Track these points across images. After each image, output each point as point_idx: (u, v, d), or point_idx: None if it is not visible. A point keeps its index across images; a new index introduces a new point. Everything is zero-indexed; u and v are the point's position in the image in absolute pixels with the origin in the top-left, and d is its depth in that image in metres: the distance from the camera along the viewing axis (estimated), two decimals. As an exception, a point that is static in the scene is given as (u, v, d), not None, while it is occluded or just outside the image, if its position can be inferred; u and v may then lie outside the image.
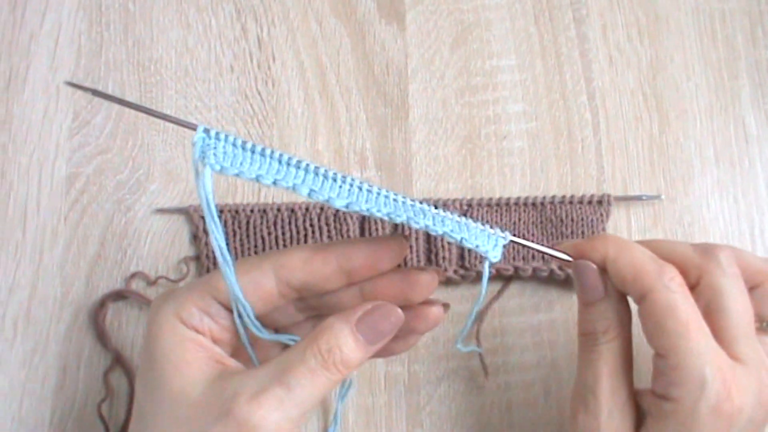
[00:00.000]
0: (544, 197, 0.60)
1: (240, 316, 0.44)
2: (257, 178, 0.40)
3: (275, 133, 0.62)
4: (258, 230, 0.58)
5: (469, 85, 0.64)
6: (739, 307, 0.44)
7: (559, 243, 0.49)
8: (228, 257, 0.41)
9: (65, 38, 0.63)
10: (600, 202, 0.60)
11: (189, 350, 0.42)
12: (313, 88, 0.63)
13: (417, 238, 0.59)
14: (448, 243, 0.58)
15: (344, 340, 0.41)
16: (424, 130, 0.63)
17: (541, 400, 0.58)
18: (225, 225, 0.58)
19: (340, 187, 0.42)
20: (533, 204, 0.60)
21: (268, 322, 0.47)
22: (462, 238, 0.43)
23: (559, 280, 0.59)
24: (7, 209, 0.59)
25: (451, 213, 0.44)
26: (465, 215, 0.58)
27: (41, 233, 0.59)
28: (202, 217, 0.58)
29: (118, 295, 0.58)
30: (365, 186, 0.42)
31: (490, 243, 0.44)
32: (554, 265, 0.59)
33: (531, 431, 0.57)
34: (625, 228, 0.61)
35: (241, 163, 0.40)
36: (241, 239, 0.58)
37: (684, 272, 0.45)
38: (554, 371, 0.58)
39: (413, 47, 0.65)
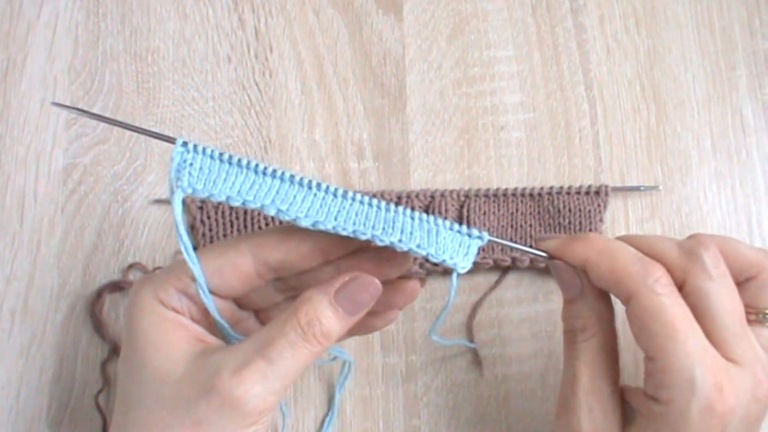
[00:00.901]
0: (541, 188, 0.60)
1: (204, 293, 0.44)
2: (227, 200, 0.42)
3: (272, 123, 0.62)
4: (255, 220, 0.58)
5: (467, 75, 0.64)
6: (726, 307, 0.44)
7: (542, 238, 0.49)
8: (192, 254, 0.42)
9: (62, 28, 0.63)
10: (597, 193, 0.60)
11: (169, 330, 0.42)
12: (311, 79, 0.63)
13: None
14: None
15: (323, 312, 0.42)
16: (421, 121, 0.63)
17: (539, 391, 0.58)
18: (222, 216, 0.58)
19: (314, 196, 0.43)
20: (531, 194, 0.60)
21: (247, 304, 0.48)
22: (428, 254, 0.44)
23: (556, 271, 0.59)
24: (4, 200, 0.59)
25: (428, 218, 0.45)
26: (462, 208, 0.59)
27: (38, 224, 0.59)
28: (200, 208, 0.58)
29: (116, 286, 0.57)
30: (339, 192, 0.43)
31: (461, 252, 0.45)
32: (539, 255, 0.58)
33: (528, 422, 0.57)
34: (622, 219, 0.61)
35: (214, 181, 0.42)
36: (238, 230, 0.58)
37: (669, 272, 0.45)
38: (551, 362, 0.58)
39: (410, 38, 0.65)
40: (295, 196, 0.43)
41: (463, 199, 0.60)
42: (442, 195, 0.59)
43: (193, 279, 0.42)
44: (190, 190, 0.41)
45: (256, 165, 0.43)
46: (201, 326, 0.44)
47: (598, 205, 0.60)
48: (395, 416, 0.57)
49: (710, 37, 0.66)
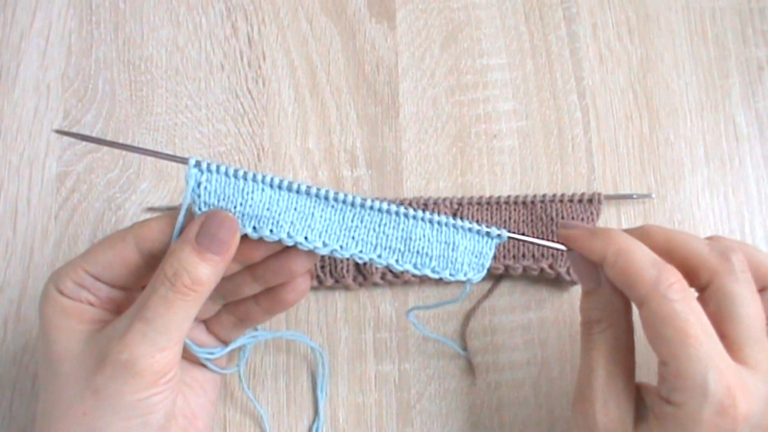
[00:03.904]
0: (534, 196, 0.60)
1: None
2: (243, 221, 0.43)
3: (266, 131, 0.62)
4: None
5: (460, 83, 0.64)
6: (750, 311, 0.44)
7: (565, 225, 0.49)
8: None
9: (56, 36, 0.63)
10: (590, 201, 0.60)
11: (69, 315, 0.44)
12: (304, 87, 0.63)
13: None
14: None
15: (187, 259, 0.42)
16: (414, 129, 0.63)
17: (531, 398, 0.58)
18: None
19: (332, 208, 0.44)
20: (524, 202, 0.60)
21: (224, 292, 0.49)
22: (443, 278, 0.46)
23: (549, 279, 0.60)
24: (-3, 208, 0.60)
25: (446, 221, 0.45)
26: (455, 216, 0.59)
27: (32, 231, 0.59)
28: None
29: (108, 294, 0.57)
30: (358, 201, 0.44)
31: (477, 254, 0.46)
32: (545, 264, 0.59)
33: (521, 429, 0.57)
34: (615, 226, 0.61)
35: (230, 202, 0.43)
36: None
37: (695, 270, 0.45)
38: (544, 370, 0.58)
39: (403, 46, 0.65)
40: (312, 211, 0.44)
41: (456, 206, 0.60)
42: (435, 203, 0.59)
43: (88, 272, 0.44)
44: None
45: (272, 179, 0.43)
46: (103, 310, 0.46)
47: (591, 213, 0.60)
48: (388, 424, 0.57)
49: (703, 45, 0.66)
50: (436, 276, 0.46)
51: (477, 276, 0.47)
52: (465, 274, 0.46)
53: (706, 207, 0.62)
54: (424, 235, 0.45)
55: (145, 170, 0.60)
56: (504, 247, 0.59)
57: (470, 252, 0.46)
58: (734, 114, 0.64)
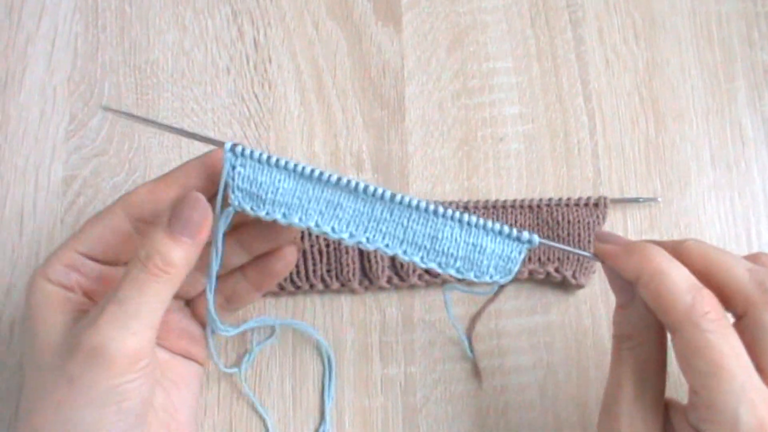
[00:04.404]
0: (540, 199, 0.60)
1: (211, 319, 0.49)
2: (273, 209, 0.44)
3: (272, 135, 0.62)
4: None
5: (466, 87, 0.64)
6: None
7: (602, 236, 0.48)
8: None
9: (61, 40, 0.63)
10: (596, 205, 0.60)
11: (53, 304, 0.44)
12: (310, 91, 0.63)
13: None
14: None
15: (160, 242, 0.43)
16: (420, 133, 0.63)
17: (537, 402, 0.58)
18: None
19: (362, 200, 0.44)
20: (529, 206, 0.60)
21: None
22: (467, 278, 0.45)
23: (555, 282, 0.60)
24: (3, 211, 0.59)
25: (476, 222, 0.45)
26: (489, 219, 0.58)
27: (38, 236, 0.59)
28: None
29: (115, 298, 0.57)
30: (387, 195, 0.44)
31: (505, 258, 0.45)
32: (551, 267, 0.59)
33: (527, 433, 0.57)
34: (621, 230, 0.61)
35: (263, 189, 0.44)
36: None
37: (732, 298, 0.43)
38: (550, 374, 0.58)
39: (410, 49, 0.65)
40: (341, 202, 0.44)
41: (461, 210, 0.59)
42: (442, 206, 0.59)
43: (79, 251, 0.45)
44: (241, 206, 0.44)
45: (303, 168, 0.44)
46: (93, 298, 0.46)
47: (597, 217, 0.60)
48: (394, 428, 0.57)
49: (709, 48, 0.66)
50: (460, 276, 0.45)
51: (504, 279, 0.46)
52: (491, 277, 0.45)
53: (713, 211, 0.62)
54: (451, 235, 0.45)
55: (152, 174, 0.60)
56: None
57: (498, 255, 0.45)
58: (740, 118, 0.64)
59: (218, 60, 0.63)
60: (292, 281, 0.58)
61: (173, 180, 0.46)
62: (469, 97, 0.64)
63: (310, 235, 0.58)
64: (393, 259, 0.59)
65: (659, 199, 0.62)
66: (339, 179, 0.44)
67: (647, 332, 0.45)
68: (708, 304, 0.41)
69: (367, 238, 0.45)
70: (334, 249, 0.58)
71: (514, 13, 0.66)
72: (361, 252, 0.59)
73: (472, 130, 0.63)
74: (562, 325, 0.59)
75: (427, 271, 0.59)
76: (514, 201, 0.60)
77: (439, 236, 0.45)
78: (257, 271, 0.51)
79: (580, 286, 0.59)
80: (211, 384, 0.57)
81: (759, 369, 0.41)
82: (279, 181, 0.44)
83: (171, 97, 0.62)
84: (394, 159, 0.62)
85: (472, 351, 0.58)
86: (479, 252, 0.45)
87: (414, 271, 0.58)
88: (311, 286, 0.58)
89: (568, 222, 0.59)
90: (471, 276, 0.45)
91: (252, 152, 0.44)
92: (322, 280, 0.58)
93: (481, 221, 0.45)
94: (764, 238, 0.62)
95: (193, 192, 0.44)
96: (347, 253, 0.58)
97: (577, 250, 0.48)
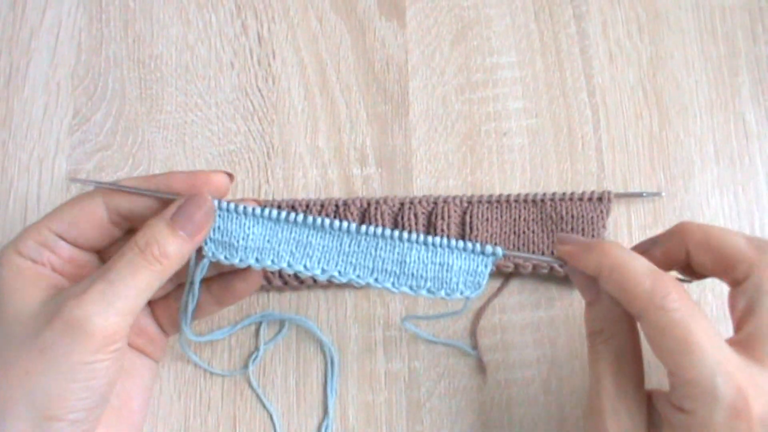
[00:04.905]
0: (544, 194, 0.60)
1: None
2: (257, 261, 0.47)
3: (275, 129, 0.62)
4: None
5: (470, 81, 0.64)
6: None
7: (561, 239, 0.49)
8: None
9: (65, 35, 0.63)
10: (600, 199, 0.60)
11: (26, 277, 0.45)
12: (314, 85, 0.63)
13: (417, 222, 0.59)
14: (448, 227, 0.58)
15: (161, 233, 0.44)
16: (424, 127, 0.63)
17: (541, 396, 0.58)
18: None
19: (330, 235, 0.47)
20: (533, 201, 0.60)
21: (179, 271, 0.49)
22: (440, 297, 0.47)
23: (559, 277, 0.59)
24: (7, 205, 0.59)
25: (440, 242, 0.47)
26: (465, 214, 0.59)
27: (41, 230, 0.59)
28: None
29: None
30: (353, 228, 0.47)
31: (472, 272, 0.47)
32: (554, 262, 0.59)
33: (531, 428, 0.57)
34: (625, 225, 0.61)
35: (232, 233, 0.46)
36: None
37: (733, 264, 0.45)
38: (554, 368, 0.58)
39: (413, 44, 0.65)
40: (310, 240, 0.47)
41: (465, 205, 0.60)
42: (445, 201, 0.59)
43: (52, 230, 0.46)
44: (215, 257, 0.47)
45: (270, 212, 0.46)
46: (66, 278, 0.47)
47: (601, 212, 0.60)
48: (398, 423, 0.57)
49: (713, 43, 0.66)
50: (432, 296, 0.47)
51: (474, 293, 0.48)
52: (462, 293, 0.47)
53: (716, 205, 0.62)
54: (419, 258, 0.47)
55: (155, 169, 0.60)
56: (513, 245, 0.59)
57: (465, 271, 0.47)
58: (744, 112, 0.64)
59: (222, 54, 0.63)
60: (296, 276, 0.58)
61: (153, 184, 0.48)
62: (472, 92, 0.64)
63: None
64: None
65: (663, 194, 0.62)
66: (305, 219, 0.46)
67: (617, 325, 0.46)
68: (669, 285, 0.43)
69: (339, 272, 0.47)
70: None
71: (517, 7, 0.66)
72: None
73: (475, 125, 0.63)
74: (566, 319, 0.59)
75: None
76: (518, 195, 0.60)
77: (407, 260, 0.47)
78: (221, 287, 0.51)
79: (583, 281, 0.59)
80: (215, 379, 0.57)
81: (740, 330, 0.43)
82: (248, 227, 0.46)
83: (175, 92, 0.62)
84: (397, 153, 0.62)
85: (475, 348, 0.58)
86: (447, 270, 0.47)
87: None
88: (315, 281, 0.58)
89: (572, 216, 0.59)
90: (442, 294, 0.47)
91: (220, 203, 0.46)
92: (326, 274, 0.59)
93: (445, 240, 0.47)
94: (768, 232, 0.62)
95: (204, 194, 0.46)
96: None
97: (540, 257, 0.50)
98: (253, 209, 0.46)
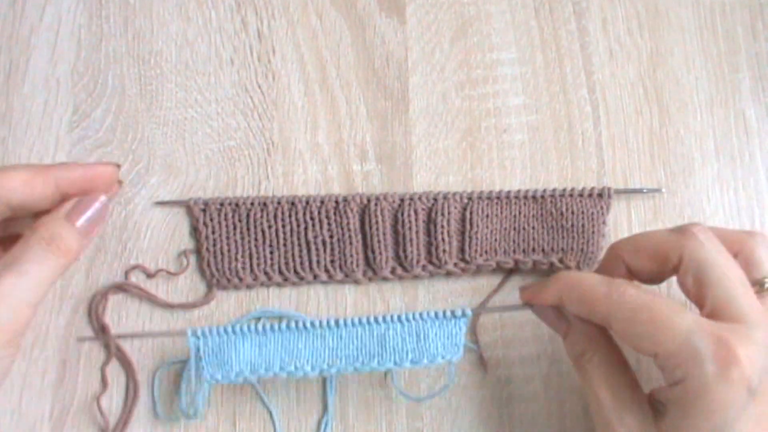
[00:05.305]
0: (544, 190, 0.60)
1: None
2: (252, 372, 0.51)
3: (275, 126, 0.62)
4: (258, 223, 0.58)
5: (470, 78, 0.64)
6: (725, 270, 0.45)
7: (522, 288, 0.54)
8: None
9: (65, 31, 0.63)
10: (600, 195, 0.60)
11: None
12: (314, 81, 0.63)
13: (417, 231, 0.59)
14: (448, 236, 0.58)
15: (62, 227, 0.48)
16: (424, 123, 0.63)
17: (541, 393, 0.58)
18: (225, 218, 0.58)
19: (313, 335, 0.51)
20: (533, 197, 0.60)
21: None
22: (423, 365, 0.51)
23: (559, 274, 0.59)
24: (6, 202, 0.59)
25: (412, 316, 0.52)
26: (465, 210, 0.58)
27: (41, 226, 0.59)
28: (203, 210, 0.58)
29: (118, 288, 0.57)
30: (332, 323, 0.52)
31: (451, 337, 0.52)
32: (554, 258, 0.59)
33: (531, 425, 0.57)
34: (625, 221, 0.61)
35: (225, 351, 0.50)
36: (241, 232, 0.58)
37: (665, 255, 0.48)
38: (554, 364, 0.58)
39: (413, 40, 0.65)
40: (297, 343, 0.51)
41: (465, 201, 0.60)
42: (445, 197, 0.59)
43: None
44: (213, 378, 0.50)
45: (255, 327, 0.51)
46: None
47: (601, 208, 0.60)
48: (398, 419, 0.57)
49: (713, 39, 0.66)
50: (416, 366, 0.51)
51: (455, 356, 0.52)
52: (443, 357, 0.51)
53: (716, 202, 0.62)
54: (396, 334, 0.51)
55: (155, 165, 0.60)
56: (513, 241, 0.59)
57: (441, 337, 0.52)
58: (744, 109, 0.64)
59: (222, 51, 0.63)
60: (296, 272, 0.58)
61: (52, 178, 0.49)
62: (472, 88, 0.64)
63: (313, 225, 0.58)
64: (396, 249, 0.59)
65: (663, 190, 0.62)
66: (288, 326, 0.51)
67: (595, 341, 0.49)
68: (622, 284, 0.46)
69: (327, 365, 0.51)
70: (338, 240, 0.58)
71: (518, 3, 0.66)
72: (364, 243, 0.59)
73: (475, 121, 0.63)
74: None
75: (431, 262, 0.59)
76: (518, 192, 0.60)
77: (386, 339, 0.51)
78: None
79: (584, 277, 0.59)
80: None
81: (703, 303, 0.46)
82: (239, 344, 0.50)
83: (174, 88, 0.62)
84: (397, 150, 0.62)
85: (475, 343, 0.58)
86: (425, 339, 0.51)
87: (417, 261, 0.58)
88: (315, 276, 0.58)
89: (572, 213, 0.59)
90: (425, 362, 0.51)
91: (210, 329, 0.51)
92: (326, 270, 0.58)
93: (417, 314, 0.52)
94: (768, 228, 0.62)
95: (101, 195, 0.51)
96: (351, 243, 0.58)
97: (510, 307, 0.55)
98: (241, 327, 0.51)
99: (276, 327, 0.51)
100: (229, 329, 0.51)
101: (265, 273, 0.58)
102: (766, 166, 0.63)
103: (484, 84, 0.64)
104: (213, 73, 0.63)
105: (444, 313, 0.52)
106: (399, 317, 0.52)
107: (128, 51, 0.63)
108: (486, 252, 0.59)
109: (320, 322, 0.51)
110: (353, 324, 0.51)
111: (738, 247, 0.48)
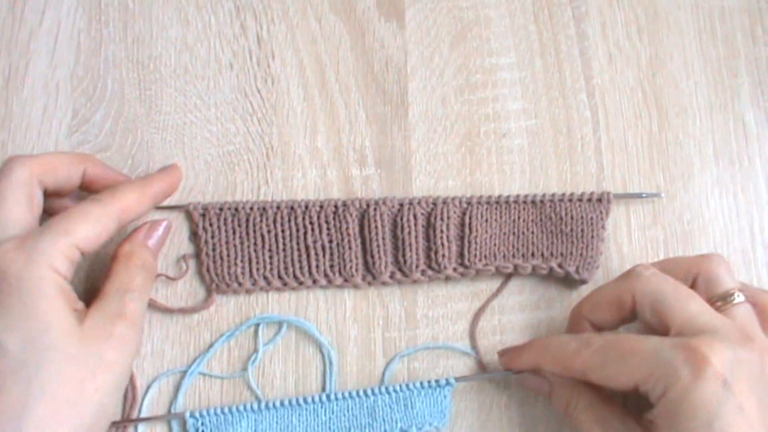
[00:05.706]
0: (543, 195, 0.60)
1: None
2: None
3: (275, 130, 0.62)
4: (258, 228, 0.58)
5: (469, 82, 0.64)
6: (675, 293, 0.48)
7: (500, 353, 0.56)
8: None
9: (64, 35, 0.63)
10: (600, 200, 0.60)
11: (65, 296, 0.48)
12: (313, 86, 0.63)
13: (416, 236, 0.59)
14: (447, 241, 0.58)
15: (149, 252, 0.54)
16: (423, 128, 0.63)
17: (541, 397, 0.57)
18: (225, 223, 0.58)
19: (306, 411, 0.54)
20: (533, 202, 0.60)
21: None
22: (413, 430, 0.54)
23: (558, 278, 0.59)
24: (6, 207, 0.59)
25: (399, 388, 0.55)
26: (464, 215, 0.58)
27: (40, 231, 0.59)
28: (202, 215, 0.58)
29: (118, 293, 0.57)
30: (324, 397, 0.54)
31: (438, 405, 0.54)
32: (554, 263, 0.59)
33: (531, 428, 0.57)
34: (624, 226, 0.61)
35: (222, 430, 0.53)
36: (240, 237, 0.58)
37: (621, 301, 0.51)
38: (554, 369, 0.58)
39: (413, 45, 0.65)
40: (291, 419, 0.53)
41: (465, 206, 0.60)
42: (444, 202, 0.59)
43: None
44: None
45: (251, 405, 0.53)
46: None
47: (600, 212, 0.60)
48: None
49: (712, 44, 0.66)
50: None
51: (442, 423, 0.54)
52: (431, 424, 0.54)
53: (716, 206, 0.62)
54: (385, 405, 0.54)
55: (154, 169, 0.60)
56: (513, 246, 0.59)
57: (428, 405, 0.54)
58: (743, 113, 0.64)
59: (221, 55, 0.63)
60: (295, 277, 0.58)
61: (151, 196, 0.55)
62: (472, 93, 0.64)
63: (313, 230, 0.58)
64: (396, 254, 0.59)
65: (662, 195, 0.62)
66: (282, 402, 0.53)
67: (577, 390, 0.51)
68: (587, 335, 0.50)
69: None
70: (337, 244, 0.58)
71: (517, 8, 0.66)
72: (364, 247, 0.59)
73: (475, 126, 0.63)
74: (565, 320, 0.59)
75: (430, 267, 0.59)
76: (517, 196, 0.60)
77: (376, 410, 0.54)
78: None
79: (583, 282, 0.59)
80: (214, 381, 0.57)
81: (666, 330, 0.48)
82: (237, 422, 0.53)
83: (174, 93, 0.62)
84: (397, 154, 0.62)
85: (473, 348, 0.58)
86: (412, 408, 0.54)
87: (417, 266, 0.58)
88: (314, 281, 0.58)
89: (571, 217, 0.59)
90: (414, 430, 0.53)
91: (208, 411, 0.53)
92: (325, 275, 0.58)
93: (404, 385, 0.54)
94: (767, 233, 0.62)
95: (159, 219, 0.57)
96: (350, 248, 0.58)
97: (492, 374, 0.57)
98: (237, 407, 0.53)
99: (270, 404, 0.53)
100: (226, 410, 0.53)
101: (265, 278, 0.58)
102: (765, 170, 0.63)
103: (484, 88, 0.64)
104: (212, 78, 0.63)
105: (429, 383, 0.54)
106: (387, 389, 0.54)
107: (127, 55, 0.63)
108: (485, 257, 0.59)
109: (312, 398, 0.54)
110: (344, 397, 0.54)
111: (696, 269, 0.51)
